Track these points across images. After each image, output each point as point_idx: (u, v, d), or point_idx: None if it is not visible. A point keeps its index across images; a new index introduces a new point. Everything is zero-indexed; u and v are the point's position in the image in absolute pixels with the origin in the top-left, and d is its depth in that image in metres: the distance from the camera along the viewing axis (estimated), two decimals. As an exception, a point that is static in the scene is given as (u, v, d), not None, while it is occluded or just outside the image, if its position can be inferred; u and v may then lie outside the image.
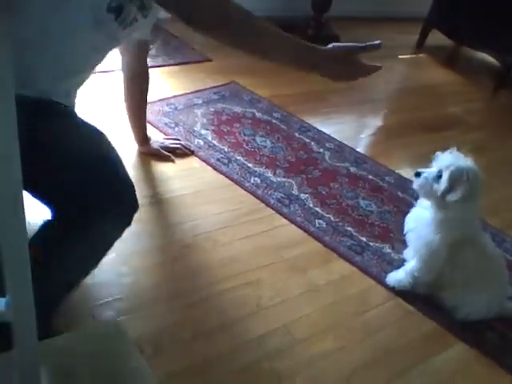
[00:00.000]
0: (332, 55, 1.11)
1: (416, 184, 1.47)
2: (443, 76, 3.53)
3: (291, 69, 1.18)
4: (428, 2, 3.71)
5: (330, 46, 1.12)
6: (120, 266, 1.43)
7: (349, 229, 1.77)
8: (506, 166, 2.51)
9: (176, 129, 2.07)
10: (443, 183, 1.38)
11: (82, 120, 1.16)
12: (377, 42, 1.13)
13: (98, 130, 1.12)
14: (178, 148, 1.91)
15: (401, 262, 1.62)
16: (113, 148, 1.10)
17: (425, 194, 1.48)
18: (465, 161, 1.41)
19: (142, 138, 1.84)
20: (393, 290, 1.56)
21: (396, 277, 1.57)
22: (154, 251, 1.52)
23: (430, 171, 1.44)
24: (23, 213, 0.57)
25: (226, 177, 1.88)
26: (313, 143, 2.23)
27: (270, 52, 1.10)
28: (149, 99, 1.87)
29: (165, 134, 2.01)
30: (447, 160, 1.41)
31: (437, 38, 3.78)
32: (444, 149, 1.48)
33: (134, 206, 1.08)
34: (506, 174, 2.41)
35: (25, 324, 0.65)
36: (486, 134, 2.83)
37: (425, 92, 3.20)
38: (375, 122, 2.76)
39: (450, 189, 1.38)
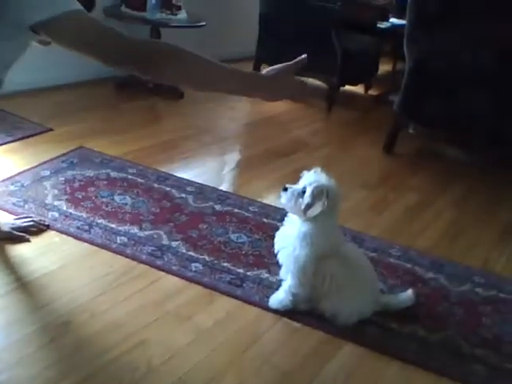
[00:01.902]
0: (274, 78, 1.24)
1: (283, 198, 1.56)
2: (282, 105, 3.80)
3: (239, 95, 1.31)
4: (253, 41, 4.01)
5: (265, 70, 1.26)
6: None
7: (225, 264, 1.80)
8: (351, 174, 2.76)
9: (26, 206, 1.95)
10: (306, 198, 1.49)
11: None
12: (303, 56, 1.28)
13: None
14: (31, 226, 1.80)
15: (279, 283, 1.69)
16: None
17: (291, 208, 1.57)
18: (327, 179, 1.53)
19: None
20: (277, 312, 1.62)
21: (277, 298, 1.63)
22: (27, 339, 1.40)
23: (296, 187, 1.55)
24: None
25: (90, 243, 1.81)
26: (173, 190, 2.25)
27: (217, 83, 1.24)
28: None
29: (15, 215, 1.88)
30: (311, 178, 1.53)
31: (269, 72, 4.07)
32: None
33: None
34: (354, 182, 2.65)
35: None
36: (329, 150, 3.10)
37: (269, 123, 3.43)
38: (231, 158, 2.88)
39: (312, 204, 1.49)
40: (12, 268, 1.66)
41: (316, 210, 1.48)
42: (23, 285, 1.59)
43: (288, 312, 1.61)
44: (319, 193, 1.49)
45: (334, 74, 3.68)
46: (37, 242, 1.78)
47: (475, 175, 2.97)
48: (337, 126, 3.60)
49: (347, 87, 3.97)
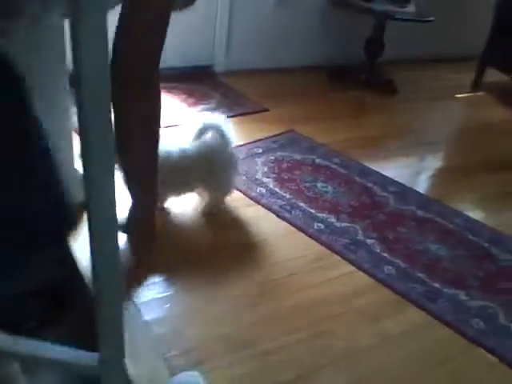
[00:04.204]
0: None
1: None
2: (504, 114, 3.43)
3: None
4: (481, 40, 3.67)
5: None
6: (185, 318, 1.44)
7: (420, 275, 1.71)
8: None
9: (239, 178, 2.10)
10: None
11: None
12: None
13: None
14: None
15: (479, 309, 1.53)
16: None
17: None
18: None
19: None
20: (472, 339, 1.47)
21: None
22: (221, 300, 1.52)
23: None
24: (119, 268, 0.58)
25: (290, 223, 1.87)
26: (375, 187, 2.20)
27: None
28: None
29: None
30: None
31: (493, 75, 3.71)
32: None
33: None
34: None
35: (114, 380, 0.65)
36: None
37: (488, 131, 3.12)
38: (435, 164, 2.70)
39: None
40: (220, 230, 1.81)
41: None
42: (224, 247, 1.72)
43: (486, 345, 1.46)
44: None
45: None
46: (245, 212, 1.91)
47: None
48: None
49: None
